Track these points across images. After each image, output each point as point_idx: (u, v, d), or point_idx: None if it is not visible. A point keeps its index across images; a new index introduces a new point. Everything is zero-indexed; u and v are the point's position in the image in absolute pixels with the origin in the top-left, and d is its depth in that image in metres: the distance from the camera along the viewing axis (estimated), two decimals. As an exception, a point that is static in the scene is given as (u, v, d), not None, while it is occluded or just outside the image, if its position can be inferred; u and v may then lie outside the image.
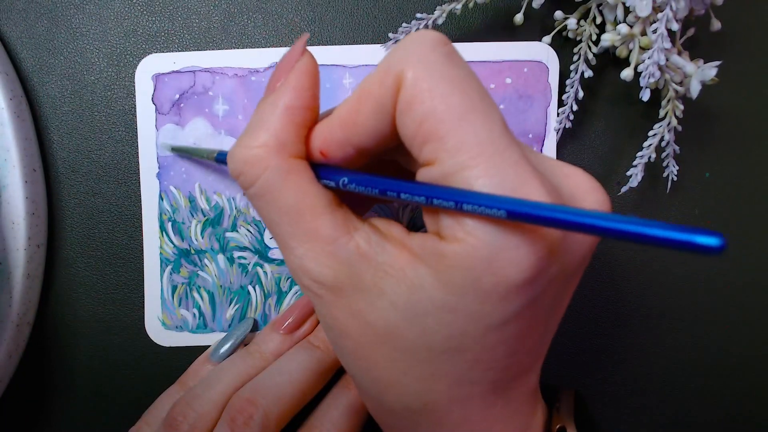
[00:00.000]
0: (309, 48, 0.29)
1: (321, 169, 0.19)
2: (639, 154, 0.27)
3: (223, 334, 0.29)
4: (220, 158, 0.24)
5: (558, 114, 0.29)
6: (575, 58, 0.28)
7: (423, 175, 0.17)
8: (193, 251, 0.30)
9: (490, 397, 0.18)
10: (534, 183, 0.15)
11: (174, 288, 0.30)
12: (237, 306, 0.30)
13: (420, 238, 0.17)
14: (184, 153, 0.29)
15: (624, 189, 0.28)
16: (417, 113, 0.16)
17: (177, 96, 0.29)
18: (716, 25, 0.28)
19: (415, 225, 0.30)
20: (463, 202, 0.15)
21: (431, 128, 0.16)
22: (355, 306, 0.18)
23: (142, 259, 0.30)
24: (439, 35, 0.17)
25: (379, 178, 0.17)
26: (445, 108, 0.16)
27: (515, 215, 0.14)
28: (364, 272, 0.17)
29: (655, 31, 0.25)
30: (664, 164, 0.28)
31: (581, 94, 0.28)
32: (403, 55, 0.16)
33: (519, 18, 0.28)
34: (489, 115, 0.16)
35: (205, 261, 0.30)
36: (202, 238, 0.30)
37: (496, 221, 0.15)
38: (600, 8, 0.27)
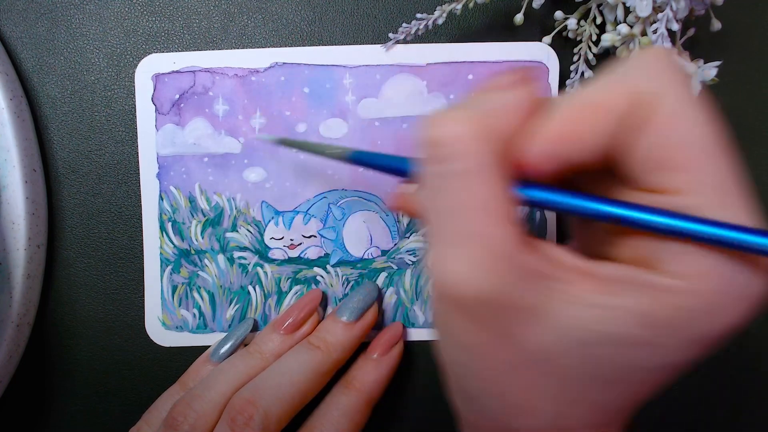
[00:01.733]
0: (309, 48, 0.29)
1: (517, 181, 0.17)
2: (639, 154, 0.27)
3: (223, 335, 0.29)
4: (356, 158, 0.22)
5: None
6: (575, 58, 0.28)
7: (644, 200, 0.16)
8: (193, 251, 0.30)
9: (613, 426, 0.18)
10: None
11: (174, 288, 0.30)
12: (237, 306, 0.30)
13: (616, 267, 0.16)
14: (295, 147, 0.27)
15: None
16: (670, 137, 0.15)
17: (177, 96, 0.29)
18: (716, 25, 0.28)
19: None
20: (726, 237, 0.14)
21: (681, 156, 0.15)
22: (505, 326, 0.16)
23: (142, 259, 0.30)
24: (673, 54, 0.16)
25: (602, 199, 0.16)
26: (702, 139, 0.15)
27: None
28: (530, 293, 0.16)
29: (655, 32, 0.25)
30: (664, 164, 0.28)
31: (581, 94, 0.28)
32: (650, 73, 0.16)
33: (519, 18, 0.28)
34: (733, 156, 0.15)
35: (205, 261, 0.30)
36: (202, 238, 0.30)
37: (728, 266, 0.15)
38: (600, 8, 0.27)
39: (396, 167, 0.20)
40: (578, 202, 0.16)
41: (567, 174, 0.17)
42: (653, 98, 0.15)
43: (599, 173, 0.17)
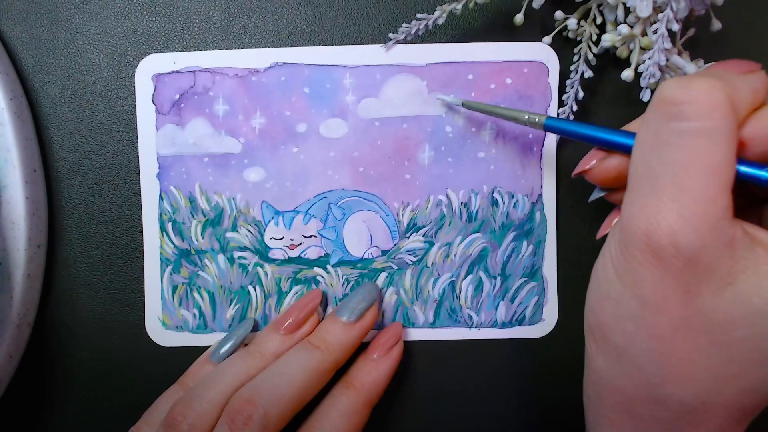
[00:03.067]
0: (309, 48, 0.29)
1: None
2: (639, 154, 0.27)
3: (224, 335, 0.29)
4: (551, 125, 0.24)
5: (558, 114, 0.29)
6: (575, 58, 0.28)
7: None
8: (193, 251, 0.30)
9: (747, 412, 0.19)
10: None
11: (174, 288, 0.30)
12: (237, 306, 0.30)
13: None
14: (479, 110, 0.27)
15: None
16: None
17: (177, 96, 0.29)
18: (716, 25, 0.28)
19: (415, 225, 0.30)
20: None
21: None
22: (695, 286, 0.17)
23: (143, 259, 0.30)
24: None
25: None
26: None
27: None
28: (726, 260, 0.17)
29: (655, 32, 0.25)
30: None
31: (581, 94, 0.28)
32: None
33: (519, 18, 0.28)
34: None
35: (206, 261, 0.30)
36: (203, 238, 0.30)
37: None
38: (600, 8, 0.27)
39: (597, 137, 0.22)
40: None
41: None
42: None
43: None
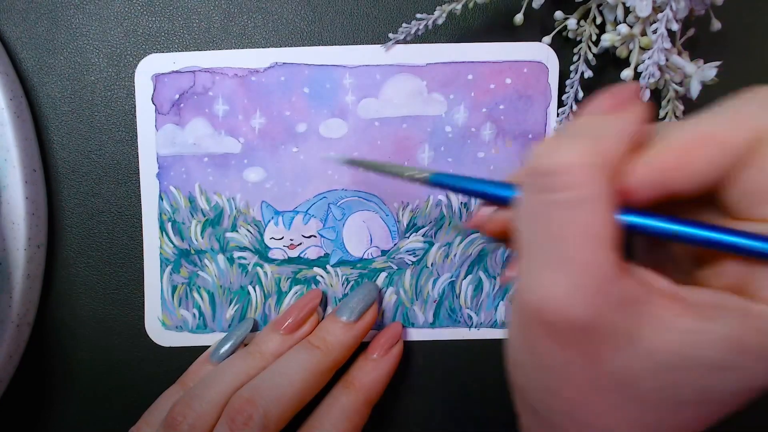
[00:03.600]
0: (309, 48, 0.29)
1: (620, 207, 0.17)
2: (639, 154, 0.27)
3: (223, 335, 0.29)
4: (436, 181, 0.22)
5: (558, 114, 0.29)
6: (575, 58, 0.28)
7: (744, 228, 0.16)
8: (193, 251, 0.30)
9: None
10: None
11: (174, 288, 0.30)
12: (237, 306, 0.30)
13: (709, 293, 0.16)
14: (364, 167, 0.27)
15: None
16: None
17: (177, 96, 0.29)
18: (716, 25, 0.28)
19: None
20: None
21: None
22: (595, 351, 0.16)
23: (142, 259, 0.30)
24: None
25: (699, 223, 0.17)
26: None
27: None
28: (623, 318, 0.16)
29: (655, 32, 0.25)
30: (664, 164, 0.28)
31: (581, 94, 0.28)
32: (765, 109, 0.16)
33: (519, 18, 0.28)
34: None
35: (205, 261, 0.30)
36: (202, 238, 0.30)
37: None
38: (600, 8, 0.27)
39: (483, 192, 0.21)
40: (678, 228, 0.17)
41: (665, 201, 0.17)
42: (764, 133, 0.16)
43: (695, 201, 0.18)
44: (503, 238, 0.21)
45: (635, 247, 0.21)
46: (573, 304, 0.16)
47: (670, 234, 0.17)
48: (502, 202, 0.20)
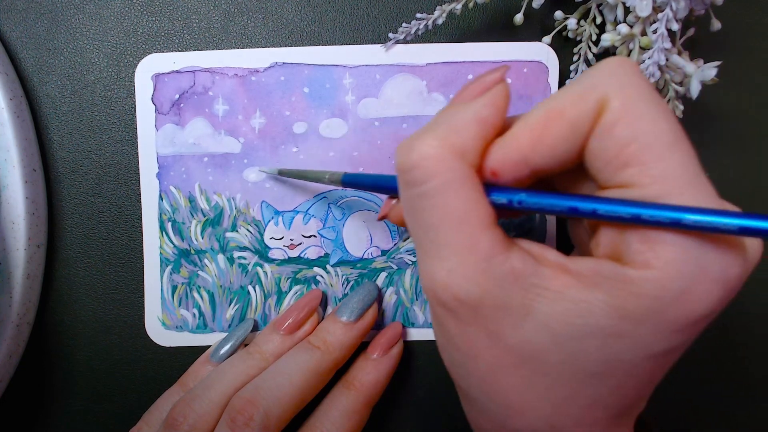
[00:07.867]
0: (309, 48, 0.29)
1: (491, 187, 0.18)
2: (639, 154, 0.27)
3: (223, 335, 0.29)
4: (348, 180, 0.24)
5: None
6: (575, 58, 0.28)
7: (612, 195, 0.16)
8: (193, 251, 0.30)
9: (612, 423, 0.18)
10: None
11: (174, 288, 0.30)
12: (237, 306, 0.30)
13: (590, 262, 0.17)
14: (293, 177, 0.28)
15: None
16: (622, 136, 0.16)
17: (177, 96, 0.29)
18: (716, 25, 0.28)
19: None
20: (685, 220, 0.15)
21: (636, 152, 0.16)
22: (494, 327, 0.17)
23: (142, 259, 0.30)
24: (633, 62, 0.17)
25: (565, 196, 0.17)
26: (654, 134, 0.16)
27: (750, 230, 0.14)
28: (514, 293, 0.17)
29: (655, 31, 0.25)
30: (664, 164, 0.28)
31: (581, 94, 0.28)
32: (606, 78, 0.16)
33: (519, 18, 0.28)
34: (690, 147, 0.16)
35: (205, 261, 0.30)
36: (202, 238, 0.30)
37: (697, 251, 0.15)
38: (600, 8, 0.27)
39: (384, 186, 0.22)
40: (543, 201, 0.17)
41: (544, 177, 0.18)
42: (608, 100, 0.16)
43: (578, 173, 0.18)
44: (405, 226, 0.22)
45: (569, 225, 0.21)
46: (456, 285, 0.17)
47: (536, 207, 0.17)
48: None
